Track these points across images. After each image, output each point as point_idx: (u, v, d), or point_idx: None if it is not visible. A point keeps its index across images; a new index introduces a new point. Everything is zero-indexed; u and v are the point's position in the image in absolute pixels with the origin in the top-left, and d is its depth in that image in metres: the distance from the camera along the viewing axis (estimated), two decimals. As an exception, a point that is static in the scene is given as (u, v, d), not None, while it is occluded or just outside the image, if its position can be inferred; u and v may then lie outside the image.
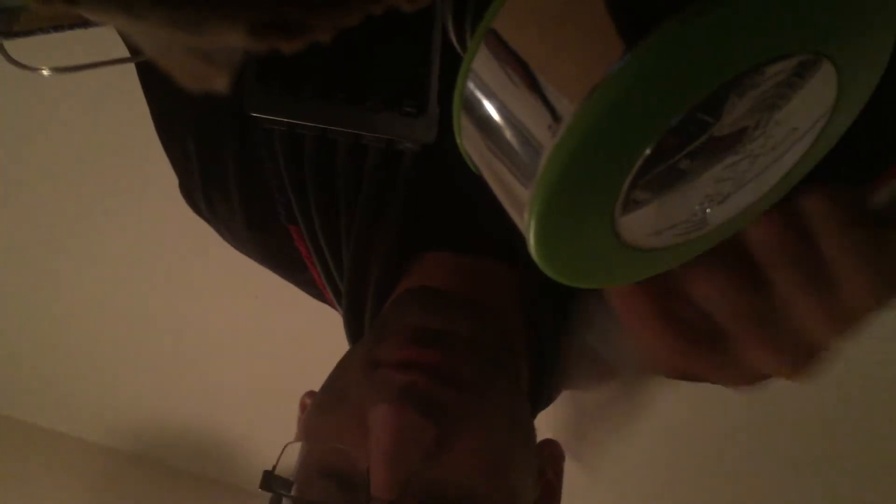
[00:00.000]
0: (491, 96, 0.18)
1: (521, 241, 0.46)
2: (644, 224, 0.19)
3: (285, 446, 0.40)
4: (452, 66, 0.37)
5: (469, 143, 0.20)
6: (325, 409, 0.40)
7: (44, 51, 0.37)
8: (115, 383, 1.81)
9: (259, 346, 1.66)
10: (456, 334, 0.39)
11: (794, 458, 1.40)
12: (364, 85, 0.39)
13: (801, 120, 0.18)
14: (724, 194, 0.20)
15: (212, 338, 1.69)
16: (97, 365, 1.79)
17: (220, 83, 0.11)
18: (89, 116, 1.35)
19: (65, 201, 1.53)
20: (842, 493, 1.38)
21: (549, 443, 0.47)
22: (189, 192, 0.50)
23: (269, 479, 0.38)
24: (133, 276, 1.62)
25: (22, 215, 1.57)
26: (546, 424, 0.47)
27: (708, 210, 0.20)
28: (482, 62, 0.19)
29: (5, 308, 1.74)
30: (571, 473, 0.46)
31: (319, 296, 0.56)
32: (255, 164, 0.46)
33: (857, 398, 1.27)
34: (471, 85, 0.19)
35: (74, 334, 1.75)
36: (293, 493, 0.38)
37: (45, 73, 0.34)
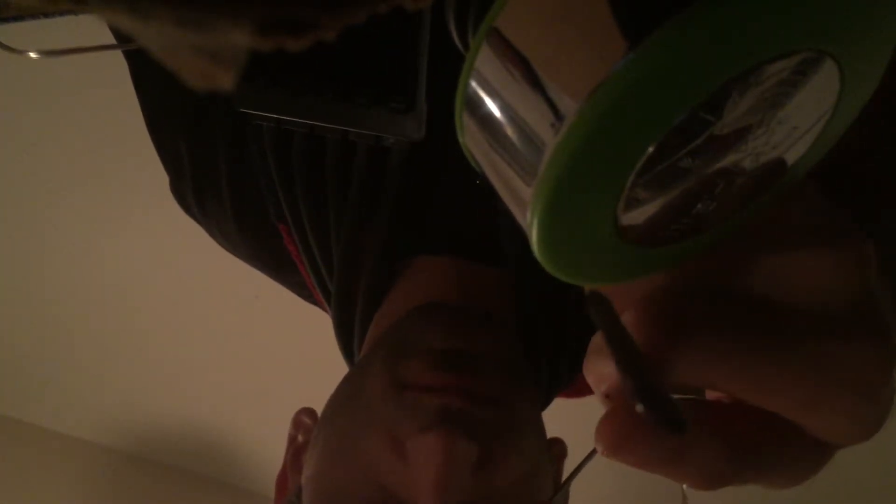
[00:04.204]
0: (493, 95, 0.18)
1: (509, 240, 0.46)
2: (646, 222, 0.19)
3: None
4: (440, 64, 0.37)
5: (471, 141, 0.20)
6: (352, 434, 0.38)
7: (33, 34, 0.36)
8: (115, 383, 1.81)
9: (259, 345, 1.66)
10: (479, 352, 0.39)
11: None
12: (352, 81, 0.38)
13: (803, 118, 0.19)
14: (726, 192, 0.20)
15: (212, 338, 1.69)
16: (97, 365, 1.79)
17: (225, 82, 0.11)
18: (85, 106, 1.35)
19: (64, 198, 1.53)
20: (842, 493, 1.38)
21: (556, 441, 0.47)
22: (180, 192, 0.50)
23: None
24: (133, 276, 1.62)
25: (21, 213, 1.57)
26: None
27: (711, 208, 0.20)
28: (484, 61, 0.19)
29: (5, 308, 1.74)
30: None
31: (309, 297, 0.56)
32: (247, 165, 0.46)
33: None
34: (473, 83, 0.19)
35: (74, 334, 1.75)
36: None
37: (32, 55, 0.34)
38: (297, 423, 0.51)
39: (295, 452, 0.50)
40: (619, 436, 0.19)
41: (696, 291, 0.21)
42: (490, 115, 0.19)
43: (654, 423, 0.17)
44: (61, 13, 0.29)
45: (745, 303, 0.20)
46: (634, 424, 0.19)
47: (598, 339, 0.22)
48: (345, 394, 0.42)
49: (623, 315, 0.21)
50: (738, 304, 0.20)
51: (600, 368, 0.22)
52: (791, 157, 0.20)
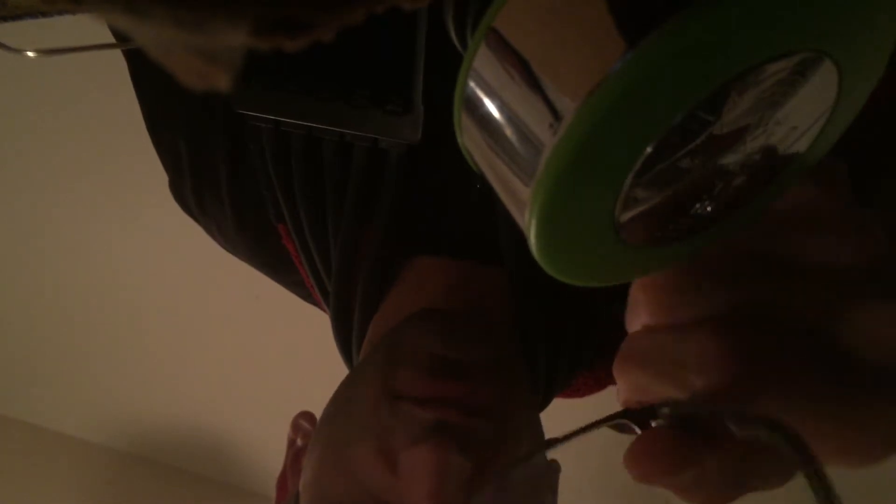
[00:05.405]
0: (492, 95, 0.18)
1: (507, 240, 0.45)
2: (645, 222, 0.19)
3: None
4: (436, 66, 0.37)
5: (470, 141, 0.20)
6: (344, 442, 0.38)
7: (31, 34, 0.36)
8: (115, 384, 1.81)
9: (260, 346, 1.66)
10: (474, 360, 0.39)
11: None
12: (349, 83, 0.38)
13: (801, 118, 0.19)
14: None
15: (213, 338, 1.69)
16: (98, 365, 1.79)
17: (222, 82, 0.11)
18: (84, 106, 1.35)
19: (63, 197, 1.53)
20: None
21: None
22: (179, 191, 0.50)
23: None
24: (133, 276, 1.62)
25: (20, 212, 1.57)
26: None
27: (709, 208, 0.20)
28: (483, 61, 0.19)
29: (5, 308, 1.74)
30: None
31: (308, 297, 0.56)
32: (246, 165, 0.46)
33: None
34: (472, 84, 0.19)
35: (74, 334, 1.75)
36: None
37: (30, 55, 0.34)
38: (295, 426, 0.51)
39: (294, 456, 0.50)
40: (658, 465, 0.19)
41: (766, 323, 0.21)
42: (489, 115, 0.19)
43: None
44: (59, 12, 0.29)
45: (814, 339, 0.20)
46: (675, 455, 0.19)
47: (632, 344, 0.22)
48: (340, 400, 0.42)
49: (692, 339, 0.20)
50: (808, 340, 0.20)
51: (635, 378, 0.21)
52: (790, 157, 0.20)
